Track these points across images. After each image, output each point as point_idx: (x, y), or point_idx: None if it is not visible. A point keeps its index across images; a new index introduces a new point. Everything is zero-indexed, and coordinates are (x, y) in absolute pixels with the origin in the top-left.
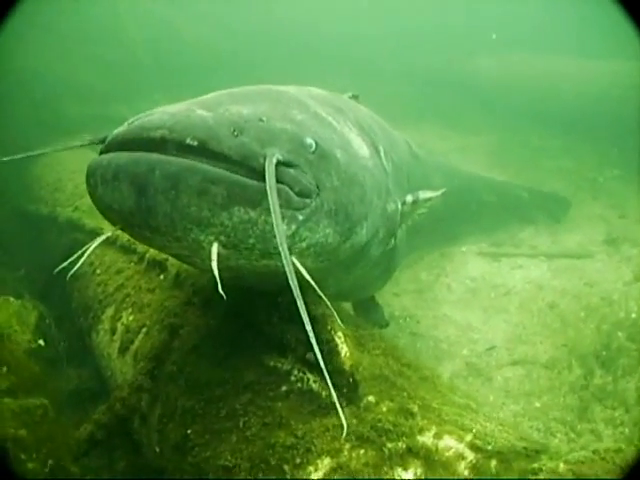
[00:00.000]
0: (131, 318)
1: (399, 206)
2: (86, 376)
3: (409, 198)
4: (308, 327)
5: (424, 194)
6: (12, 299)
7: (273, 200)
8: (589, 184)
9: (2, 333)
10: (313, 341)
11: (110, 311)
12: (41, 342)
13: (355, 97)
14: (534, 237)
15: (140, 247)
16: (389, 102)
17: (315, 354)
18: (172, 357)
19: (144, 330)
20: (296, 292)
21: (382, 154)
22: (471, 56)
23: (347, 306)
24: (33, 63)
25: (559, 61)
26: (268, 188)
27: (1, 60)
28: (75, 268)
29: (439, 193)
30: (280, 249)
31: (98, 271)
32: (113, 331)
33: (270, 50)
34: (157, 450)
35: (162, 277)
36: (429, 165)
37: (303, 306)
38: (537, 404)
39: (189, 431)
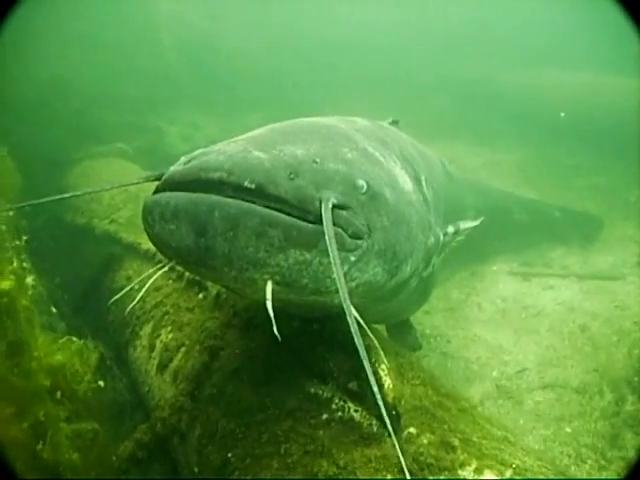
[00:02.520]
0: (170, 336)
1: (441, 237)
2: (121, 389)
3: (450, 229)
4: (366, 364)
5: (464, 224)
6: (74, 339)
7: (332, 246)
8: (620, 203)
9: (65, 373)
10: (370, 376)
11: (148, 328)
12: (101, 383)
13: (395, 123)
14: (565, 257)
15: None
16: (422, 116)
17: (371, 386)
18: (212, 379)
19: (183, 349)
20: (354, 328)
21: (424, 183)
22: (504, 70)
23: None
24: (69, 72)
25: (591, 78)
26: (326, 234)
27: (38, 69)
28: (135, 302)
29: (477, 222)
30: (340, 292)
31: (136, 287)
32: (152, 348)
33: (305, 63)
34: (196, 470)
35: (201, 296)
36: (461, 184)
37: (361, 342)
38: (568, 429)
39: (229, 454)
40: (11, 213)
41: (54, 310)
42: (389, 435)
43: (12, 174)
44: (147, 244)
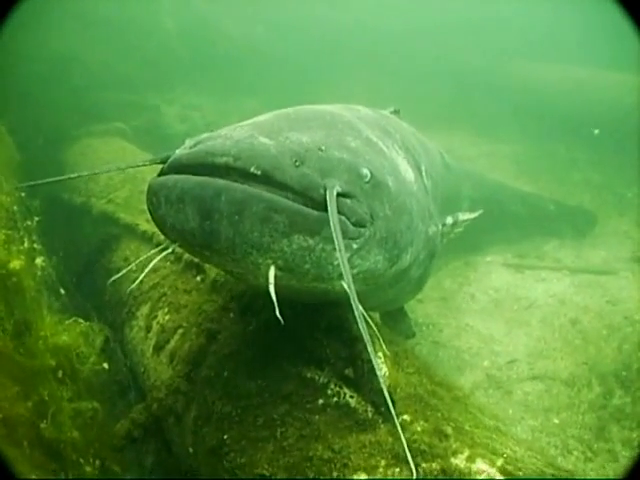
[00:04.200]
0: (167, 318)
1: (440, 228)
2: (114, 369)
3: (449, 220)
4: (370, 349)
5: (463, 216)
6: (81, 320)
7: (337, 234)
8: (617, 199)
9: (70, 354)
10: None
11: (145, 309)
12: (105, 365)
13: (396, 112)
14: (559, 250)
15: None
16: (421, 104)
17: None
18: (209, 362)
19: (180, 331)
20: (358, 313)
21: (424, 173)
22: (504, 62)
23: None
24: (72, 51)
25: (592, 73)
26: (331, 222)
27: (38, 47)
28: (135, 283)
29: (476, 215)
30: (345, 279)
31: (134, 267)
32: (148, 329)
33: (304, 47)
34: (191, 451)
35: (199, 279)
36: (459, 174)
37: (365, 328)
38: (555, 420)
39: (225, 436)
40: (23, 194)
41: (62, 291)
42: (389, 420)
43: (10, 150)
44: (145, 225)
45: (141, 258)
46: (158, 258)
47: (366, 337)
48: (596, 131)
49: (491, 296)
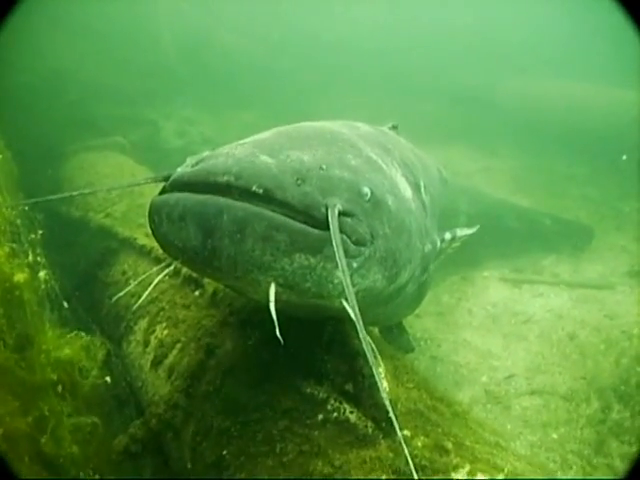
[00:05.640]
0: (165, 333)
1: (438, 243)
2: (112, 383)
3: (447, 235)
4: (372, 363)
5: (461, 231)
6: (83, 334)
7: (339, 253)
8: (614, 214)
9: (72, 367)
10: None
11: (143, 323)
12: (108, 379)
13: (395, 128)
14: (556, 265)
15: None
16: (419, 120)
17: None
18: (208, 376)
19: (178, 346)
20: (362, 335)
21: (422, 190)
22: (503, 78)
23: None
24: (67, 64)
25: (590, 89)
26: (334, 241)
27: (38, 60)
28: (139, 302)
29: (474, 230)
30: (347, 297)
31: (131, 281)
32: (146, 344)
33: (302, 63)
34: (189, 466)
35: (197, 293)
36: (456, 189)
37: (369, 342)
38: (554, 435)
39: (224, 452)
40: (27, 208)
41: (66, 305)
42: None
43: (9, 164)
44: (143, 239)
45: (142, 277)
46: (160, 277)
47: (369, 353)
48: (624, 157)
49: (489, 311)
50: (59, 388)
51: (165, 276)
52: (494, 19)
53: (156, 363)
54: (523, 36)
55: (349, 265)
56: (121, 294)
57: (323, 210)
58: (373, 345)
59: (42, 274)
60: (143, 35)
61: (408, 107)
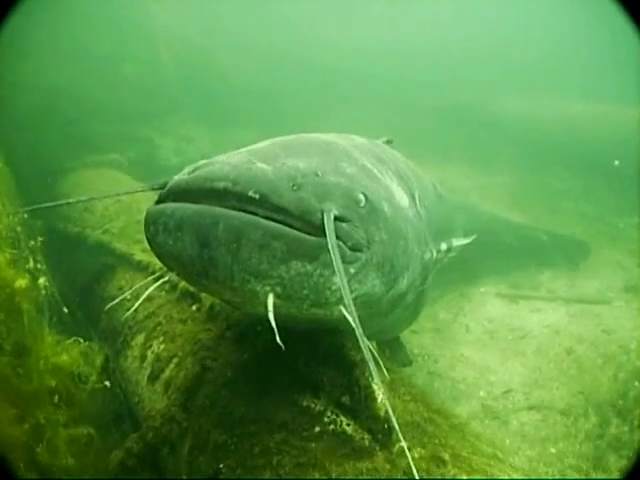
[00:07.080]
0: (162, 347)
1: (434, 254)
2: (109, 398)
3: (444, 246)
4: (372, 367)
5: (457, 241)
6: (81, 340)
7: (336, 258)
8: (609, 229)
9: (71, 373)
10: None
11: (140, 338)
12: (107, 383)
13: (389, 142)
14: (553, 281)
15: (173, 275)
16: (414, 138)
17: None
18: (204, 390)
19: (175, 360)
20: (360, 338)
21: (417, 201)
22: (499, 95)
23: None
24: (66, 82)
25: (584, 105)
26: (330, 246)
27: (33, 79)
28: (130, 311)
29: (470, 240)
30: (345, 301)
31: (128, 296)
32: (143, 358)
33: (300, 84)
34: None
35: (194, 308)
36: (451, 205)
37: (372, 353)
38: (552, 450)
39: (221, 465)
40: (26, 215)
41: (65, 310)
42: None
43: (8, 179)
44: (140, 255)
45: (136, 286)
46: (154, 287)
47: (368, 357)
48: (616, 162)
49: (486, 327)
50: (56, 397)
51: (159, 288)
52: (487, 36)
53: (153, 378)
54: (520, 52)
55: (346, 271)
56: (114, 302)
57: (319, 215)
58: (374, 350)
59: (42, 280)
60: (142, 55)
61: (404, 126)
